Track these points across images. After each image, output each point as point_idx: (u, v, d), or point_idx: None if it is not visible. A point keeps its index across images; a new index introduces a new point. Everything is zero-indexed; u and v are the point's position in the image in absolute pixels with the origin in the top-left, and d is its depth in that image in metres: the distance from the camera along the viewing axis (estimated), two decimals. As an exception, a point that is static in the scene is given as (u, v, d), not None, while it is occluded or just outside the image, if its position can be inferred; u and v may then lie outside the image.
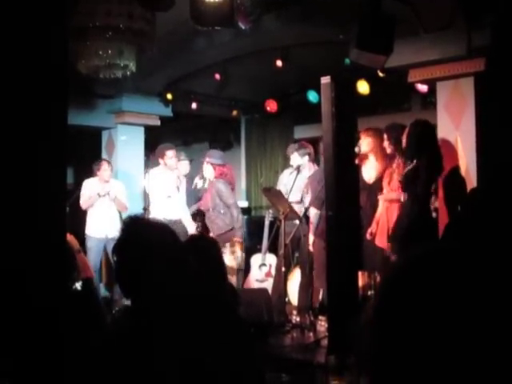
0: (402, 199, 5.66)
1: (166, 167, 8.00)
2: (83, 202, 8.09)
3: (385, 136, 6.27)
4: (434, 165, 5.54)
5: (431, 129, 5.75)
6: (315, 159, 7.53)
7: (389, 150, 6.22)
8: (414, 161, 5.51)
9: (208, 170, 7.45)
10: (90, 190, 8.09)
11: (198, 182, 7.68)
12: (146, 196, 9.10)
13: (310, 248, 6.85)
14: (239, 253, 7.13)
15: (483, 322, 0.88)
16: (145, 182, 8.11)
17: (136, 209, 8.10)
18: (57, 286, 2.66)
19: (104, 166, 8.14)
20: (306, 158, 7.19)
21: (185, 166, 8.41)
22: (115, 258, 2.09)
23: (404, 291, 0.94)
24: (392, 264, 1.17)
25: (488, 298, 0.89)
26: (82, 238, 7.85)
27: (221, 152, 7.99)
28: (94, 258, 7.88)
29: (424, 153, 5.49)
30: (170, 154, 8.00)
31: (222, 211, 7.17)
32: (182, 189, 8.09)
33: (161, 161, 8.06)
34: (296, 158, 7.24)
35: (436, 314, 0.90)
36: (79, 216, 8.14)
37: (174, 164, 7.99)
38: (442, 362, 0.89)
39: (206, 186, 7.66)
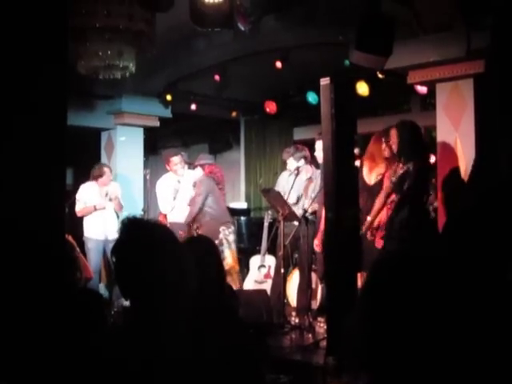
0: (395, 200, 5.66)
1: (172, 172, 8.03)
2: (79, 210, 8.02)
3: (382, 139, 6.29)
4: (425, 166, 5.54)
5: (416, 128, 5.73)
6: (312, 161, 7.51)
7: (386, 154, 6.22)
8: (407, 164, 5.53)
9: (197, 172, 7.53)
10: (86, 195, 8.05)
11: (192, 192, 7.71)
12: (145, 197, 9.12)
13: (316, 248, 6.88)
14: (227, 253, 7.15)
15: (457, 313, 0.90)
16: (157, 191, 8.14)
17: (135, 210, 8.11)
18: (56, 286, 2.66)
19: (107, 172, 8.10)
20: (302, 161, 7.19)
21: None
22: (114, 260, 2.09)
23: (385, 288, 0.96)
24: (376, 263, 1.19)
25: (459, 293, 0.92)
26: (81, 238, 7.85)
27: (210, 155, 8.20)
28: (93, 258, 7.87)
29: (413, 155, 5.50)
30: (176, 160, 7.98)
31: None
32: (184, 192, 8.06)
33: (167, 167, 8.07)
34: (292, 163, 7.26)
35: (416, 309, 0.92)
36: (78, 217, 8.14)
37: (180, 170, 7.97)
38: (421, 350, 0.91)
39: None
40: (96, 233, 7.94)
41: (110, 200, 8.02)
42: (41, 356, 2.24)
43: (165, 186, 8.07)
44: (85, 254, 7.68)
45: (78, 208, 8.01)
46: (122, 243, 2.10)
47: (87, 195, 8.05)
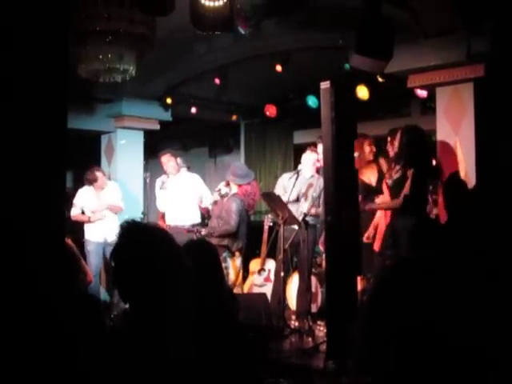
0: (394, 205, 5.66)
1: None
2: (73, 215, 8.12)
3: (388, 139, 6.30)
4: (424, 172, 5.52)
5: (421, 134, 5.69)
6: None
7: (391, 154, 6.23)
8: (402, 170, 5.51)
9: (233, 186, 7.39)
10: (83, 201, 8.15)
11: (223, 189, 7.61)
12: (145, 201, 9.12)
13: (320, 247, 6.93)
14: (231, 268, 7.09)
15: (459, 319, 0.91)
16: (157, 196, 8.16)
17: (135, 213, 8.12)
18: (54, 291, 2.66)
19: (99, 176, 8.16)
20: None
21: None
22: (113, 263, 2.09)
23: (388, 295, 0.96)
24: (381, 270, 1.21)
25: (460, 299, 0.93)
26: (80, 242, 7.85)
27: (243, 167, 7.74)
28: (93, 261, 7.90)
29: (413, 161, 5.47)
30: (164, 159, 8.09)
31: (220, 224, 7.17)
32: (183, 190, 8.03)
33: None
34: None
35: (419, 313, 0.93)
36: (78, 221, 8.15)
37: (169, 168, 8.02)
38: (424, 356, 0.91)
39: (228, 192, 7.55)
40: (96, 235, 7.98)
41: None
42: (38, 360, 2.23)
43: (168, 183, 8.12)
44: (84, 257, 7.69)
45: (73, 213, 8.13)
46: (120, 247, 2.10)
47: (84, 200, 8.15)
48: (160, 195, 8.13)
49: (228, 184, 7.48)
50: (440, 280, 0.94)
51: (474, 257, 0.97)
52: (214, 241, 6.91)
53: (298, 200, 7.02)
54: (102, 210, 8.08)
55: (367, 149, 6.66)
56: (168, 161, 8.02)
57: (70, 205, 7.85)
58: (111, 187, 8.31)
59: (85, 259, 7.72)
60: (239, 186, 7.30)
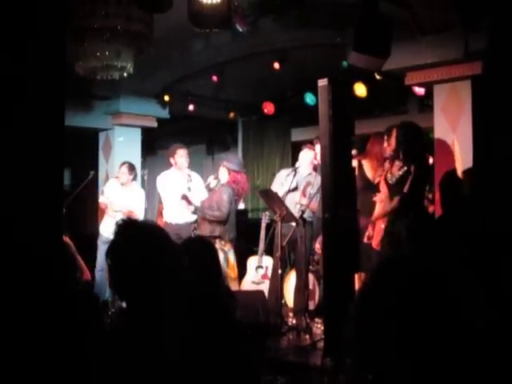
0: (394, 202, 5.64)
1: (175, 167, 8.01)
2: (101, 202, 8.34)
3: (385, 137, 6.28)
4: (423, 169, 5.49)
5: (417, 130, 5.66)
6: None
7: (388, 151, 6.21)
8: (405, 166, 5.48)
9: (223, 173, 7.38)
10: (108, 191, 8.27)
11: (212, 182, 7.60)
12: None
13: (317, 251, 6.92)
14: (223, 261, 7.06)
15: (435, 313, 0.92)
16: (158, 187, 8.13)
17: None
18: (52, 288, 2.66)
19: (121, 169, 8.22)
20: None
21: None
22: (109, 261, 2.09)
23: (380, 293, 0.98)
24: (373, 269, 1.24)
25: (454, 297, 0.94)
26: (79, 237, 7.84)
27: (239, 158, 7.79)
28: (101, 256, 7.93)
29: (413, 157, 5.44)
30: (181, 152, 8.00)
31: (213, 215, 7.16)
32: (194, 188, 7.98)
33: (172, 160, 8.07)
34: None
35: (418, 314, 0.94)
36: (78, 216, 8.15)
37: (183, 163, 7.98)
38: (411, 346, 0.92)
39: (217, 186, 7.54)
40: (107, 231, 7.99)
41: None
42: (35, 358, 2.23)
43: (171, 179, 8.03)
44: (86, 253, 7.67)
45: (100, 200, 8.37)
46: (116, 244, 2.10)
47: (109, 191, 8.28)
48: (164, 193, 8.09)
49: (217, 177, 7.49)
50: (431, 279, 0.95)
51: (468, 256, 0.99)
52: (206, 231, 6.96)
53: (295, 189, 7.01)
54: (114, 206, 8.11)
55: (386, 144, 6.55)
56: (185, 155, 7.99)
57: (69, 202, 7.84)
58: (135, 191, 8.32)
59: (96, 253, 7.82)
60: (230, 172, 7.29)
